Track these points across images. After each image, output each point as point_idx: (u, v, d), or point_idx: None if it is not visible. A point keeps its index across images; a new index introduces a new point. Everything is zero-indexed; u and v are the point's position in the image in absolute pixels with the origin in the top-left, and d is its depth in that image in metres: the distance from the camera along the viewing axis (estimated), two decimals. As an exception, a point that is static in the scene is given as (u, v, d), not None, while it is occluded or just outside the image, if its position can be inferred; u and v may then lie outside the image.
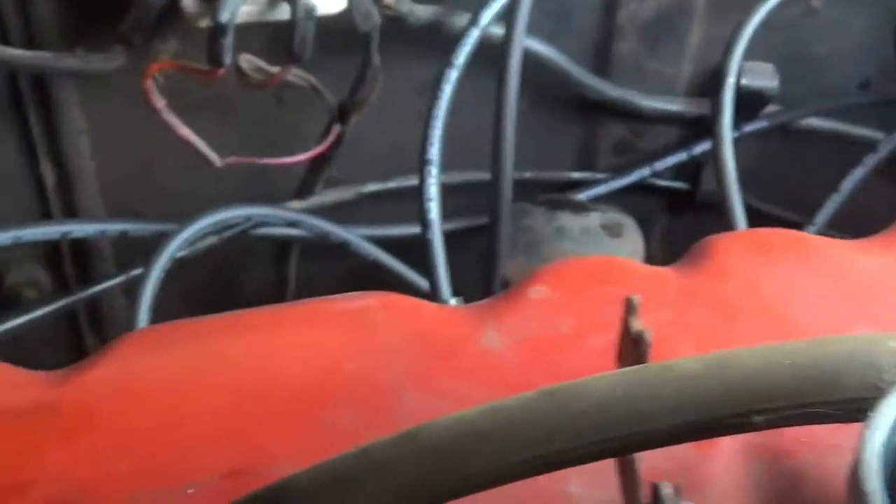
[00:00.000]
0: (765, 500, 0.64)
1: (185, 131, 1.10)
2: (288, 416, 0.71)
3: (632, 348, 0.55)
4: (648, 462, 0.57)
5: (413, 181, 1.30)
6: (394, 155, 1.33)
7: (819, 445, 0.65)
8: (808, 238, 0.85)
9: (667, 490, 0.44)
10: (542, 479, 0.66)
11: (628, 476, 0.56)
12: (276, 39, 1.15)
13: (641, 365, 0.52)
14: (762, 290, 0.77)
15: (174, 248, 1.07)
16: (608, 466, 0.62)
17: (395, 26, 1.16)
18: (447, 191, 1.16)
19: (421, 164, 1.06)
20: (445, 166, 1.13)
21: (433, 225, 1.05)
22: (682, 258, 0.82)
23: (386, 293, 0.80)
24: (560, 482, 0.67)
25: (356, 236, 1.19)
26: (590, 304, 0.76)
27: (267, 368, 0.74)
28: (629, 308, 0.56)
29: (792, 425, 0.49)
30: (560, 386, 0.50)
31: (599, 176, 1.39)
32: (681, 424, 0.48)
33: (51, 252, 1.37)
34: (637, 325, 0.55)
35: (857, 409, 0.47)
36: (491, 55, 1.12)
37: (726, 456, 0.67)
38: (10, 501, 0.67)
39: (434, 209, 1.06)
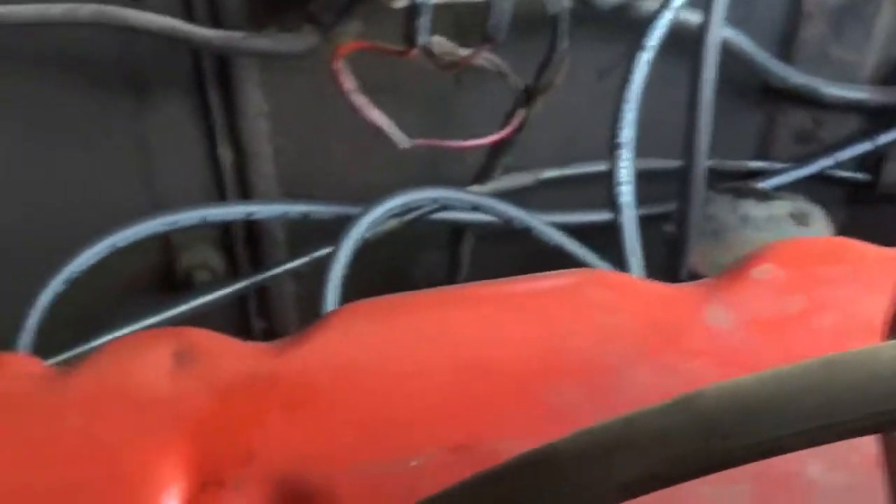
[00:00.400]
0: None
1: (375, 113, 1.10)
2: (512, 392, 0.70)
3: (906, 321, 0.54)
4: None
5: (591, 167, 1.30)
6: (571, 141, 1.33)
7: None
8: None
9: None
10: (779, 459, 0.65)
11: (893, 454, 0.54)
12: (460, 21, 1.15)
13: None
14: None
15: (364, 227, 1.08)
16: (847, 449, 0.60)
17: (583, 9, 1.15)
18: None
19: (612, 148, 1.05)
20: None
21: (626, 209, 1.04)
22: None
23: (599, 270, 0.79)
24: (798, 462, 0.65)
25: (539, 221, 1.18)
26: (818, 283, 0.74)
27: (489, 343, 0.73)
28: (905, 279, 0.55)
29: None
30: (838, 354, 0.49)
31: (779, 165, 1.37)
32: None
33: (224, 235, 1.38)
34: (915, 294, 0.54)
35: None
36: (677, 40, 1.11)
37: None
38: (234, 472, 0.67)
39: (626, 193, 1.05)
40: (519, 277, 0.81)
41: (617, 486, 0.50)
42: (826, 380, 0.48)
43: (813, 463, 0.65)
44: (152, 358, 0.73)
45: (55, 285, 1.08)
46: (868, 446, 0.59)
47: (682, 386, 0.52)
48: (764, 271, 0.75)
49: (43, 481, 0.67)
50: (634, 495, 0.50)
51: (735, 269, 0.77)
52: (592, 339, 0.72)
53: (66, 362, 0.76)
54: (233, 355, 0.74)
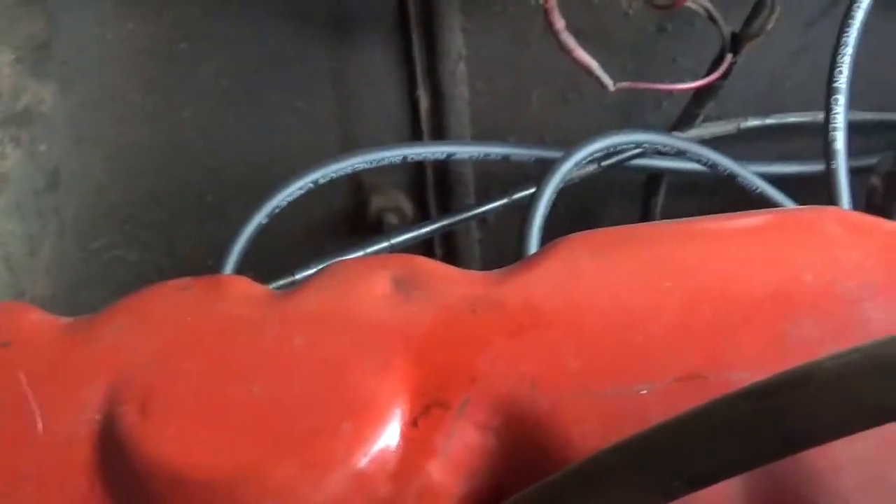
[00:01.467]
0: None
1: (582, 53, 1.09)
2: (745, 323, 0.69)
3: None
4: None
5: (794, 118, 1.27)
6: (772, 91, 1.30)
7: None
8: None
9: None
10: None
11: None
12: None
13: None
14: None
15: (566, 171, 1.07)
16: None
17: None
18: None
19: (828, 94, 1.03)
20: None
21: (839, 155, 1.02)
22: None
23: (836, 208, 0.77)
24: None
25: (744, 169, 1.16)
26: None
27: (722, 275, 0.72)
28: None
29: None
30: None
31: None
32: None
33: (416, 178, 1.39)
34: None
35: None
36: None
37: None
38: (458, 394, 0.67)
39: (840, 138, 1.02)
40: (749, 212, 0.79)
41: (888, 405, 0.48)
42: None
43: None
44: (373, 282, 0.73)
45: (258, 218, 1.09)
46: None
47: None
48: None
49: (266, 395, 0.68)
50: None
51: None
52: (830, 273, 0.71)
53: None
54: (454, 281, 0.74)
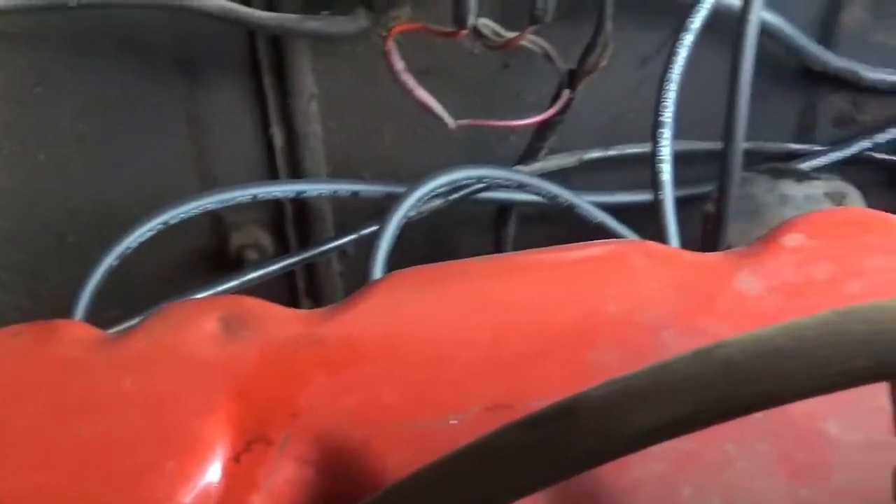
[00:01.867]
0: None
1: (422, 93, 1.13)
2: (550, 354, 0.73)
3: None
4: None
5: (633, 149, 1.32)
6: (613, 124, 1.35)
7: None
8: None
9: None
10: (799, 417, 0.68)
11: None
12: (505, 5, 1.18)
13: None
14: None
15: (409, 206, 1.11)
16: (867, 407, 0.62)
17: (626, -6, 1.18)
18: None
19: (654, 127, 1.08)
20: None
21: (665, 186, 1.07)
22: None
23: (641, 240, 0.81)
24: (818, 420, 0.68)
25: (583, 200, 1.21)
26: (846, 252, 0.77)
27: (530, 307, 0.75)
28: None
29: None
30: (855, 306, 0.51)
31: (818, 148, 1.39)
32: None
33: (274, 215, 1.42)
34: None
35: None
36: (717, 24, 1.13)
37: None
38: (279, 430, 0.70)
39: (666, 170, 1.07)
40: (560, 246, 0.83)
41: (645, 430, 0.52)
42: (845, 328, 0.51)
43: (832, 421, 0.68)
44: (201, 323, 0.76)
45: (108, 260, 1.11)
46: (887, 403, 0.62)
47: (710, 347, 0.54)
48: (793, 240, 0.78)
49: (95, 436, 0.70)
50: (663, 439, 0.53)
51: (766, 239, 0.79)
52: (630, 304, 0.75)
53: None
54: (279, 320, 0.77)
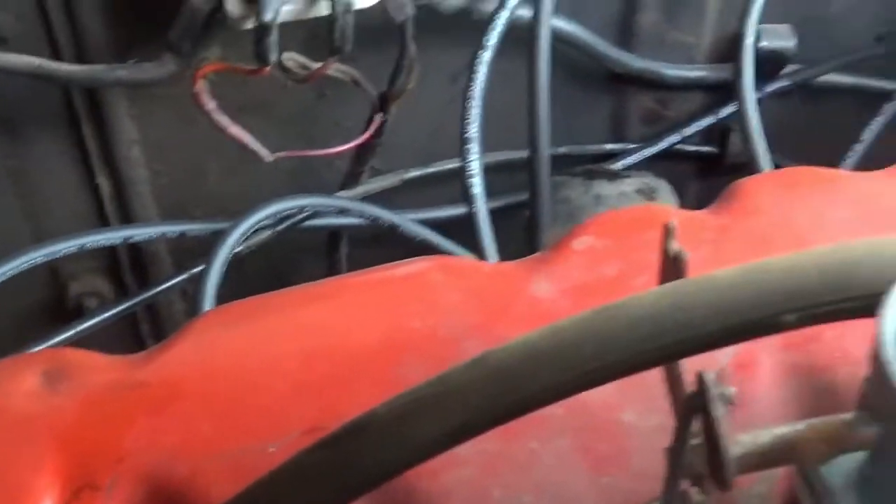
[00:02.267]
0: (806, 412, 0.69)
1: (236, 130, 1.15)
2: (360, 374, 0.76)
3: (672, 269, 0.60)
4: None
5: (451, 165, 1.36)
6: (431, 141, 1.39)
7: (852, 358, 0.70)
8: (832, 172, 0.90)
9: (710, 376, 0.48)
10: (598, 409, 0.72)
11: (675, 384, 0.61)
12: (315, 36, 1.21)
13: (682, 279, 0.57)
14: (792, 223, 0.82)
15: (234, 241, 1.13)
16: (660, 394, 0.66)
17: (428, 15, 1.21)
18: (488, 170, 1.21)
19: (462, 143, 1.11)
20: (485, 146, 1.18)
21: (477, 199, 1.10)
22: (716, 201, 0.87)
23: (442, 256, 0.85)
24: (615, 411, 0.72)
25: (405, 219, 1.24)
26: (632, 248, 0.81)
27: (337, 332, 0.79)
28: (667, 233, 0.61)
29: (824, 322, 0.54)
30: (610, 304, 0.55)
31: (631, 146, 1.44)
32: (721, 328, 0.53)
33: (110, 261, 1.43)
34: (675, 246, 0.60)
35: (878, 303, 0.51)
36: (520, 37, 1.16)
37: (769, 375, 0.72)
38: (106, 475, 0.72)
39: (477, 184, 1.11)
40: (367, 269, 0.87)
41: (430, 439, 0.56)
42: (600, 325, 0.55)
43: (629, 410, 0.72)
44: (22, 380, 0.78)
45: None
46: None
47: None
48: (583, 242, 0.82)
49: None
50: (448, 446, 0.57)
51: (558, 244, 0.84)
52: (433, 318, 0.79)
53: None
54: (100, 368, 0.79)
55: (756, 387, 0.72)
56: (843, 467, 0.55)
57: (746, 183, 0.87)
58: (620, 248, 0.82)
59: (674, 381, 0.60)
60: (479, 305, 0.79)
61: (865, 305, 0.52)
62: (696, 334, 0.53)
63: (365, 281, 0.85)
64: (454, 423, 0.56)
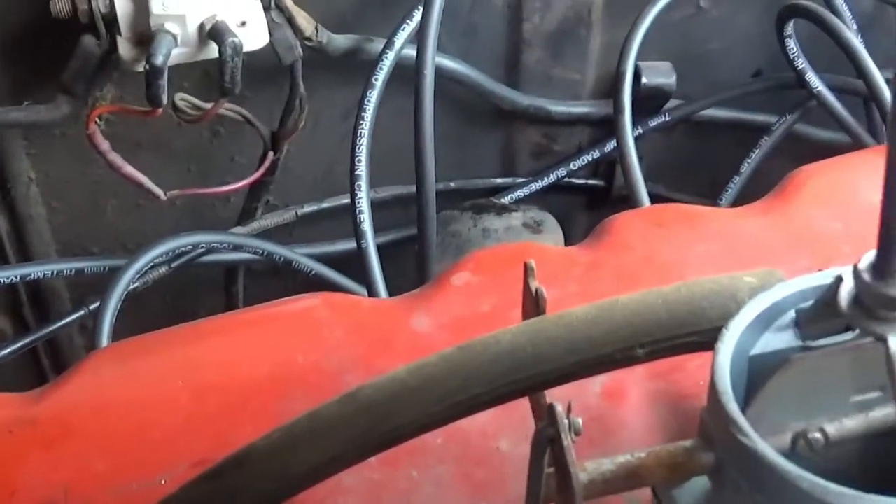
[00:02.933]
0: (671, 436, 0.73)
1: (130, 169, 1.18)
2: (247, 407, 0.79)
3: (533, 306, 0.64)
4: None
5: (345, 200, 1.39)
6: (326, 177, 1.42)
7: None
8: (697, 209, 0.95)
9: (559, 408, 0.52)
10: (475, 438, 0.75)
11: (540, 414, 0.64)
12: (207, 74, 1.24)
13: (540, 317, 0.61)
14: (658, 258, 0.86)
15: (128, 279, 1.15)
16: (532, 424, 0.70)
17: (317, 56, 1.24)
18: (379, 205, 1.25)
19: (351, 181, 1.14)
20: (375, 182, 1.22)
21: (366, 235, 1.13)
22: (588, 237, 0.91)
23: (328, 293, 0.88)
24: (491, 439, 0.75)
25: (298, 254, 1.28)
26: (507, 284, 0.84)
27: (225, 367, 0.82)
28: (528, 271, 0.65)
29: (671, 355, 0.58)
30: (472, 341, 0.59)
31: (520, 179, 1.47)
32: (577, 362, 0.57)
33: (9, 298, 1.44)
34: (535, 284, 0.64)
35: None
36: (409, 76, 1.20)
37: (634, 403, 0.76)
38: (0, 507, 0.75)
39: (366, 220, 1.14)
40: (257, 306, 0.90)
41: (305, 470, 0.59)
42: (462, 361, 0.58)
43: (504, 438, 0.75)
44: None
45: None
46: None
47: (391, 385, 0.61)
48: (461, 278, 0.86)
49: None
50: (322, 478, 0.60)
51: (437, 280, 0.87)
52: (317, 353, 0.82)
53: None
54: (-9, 406, 0.82)
55: (624, 413, 0.76)
56: (695, 490, 0.59)
57: (616, 220, 0.91)
58: (495, 284, 0.85)
59: (539, 411, 0.64)
60: (361, 340, 0.83)
61: (709, 339, 0.56)
62: (552, 368, 0.57)
63: (254, 317, 0.88)
64: (327, 454, 0.59)
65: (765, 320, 0.55)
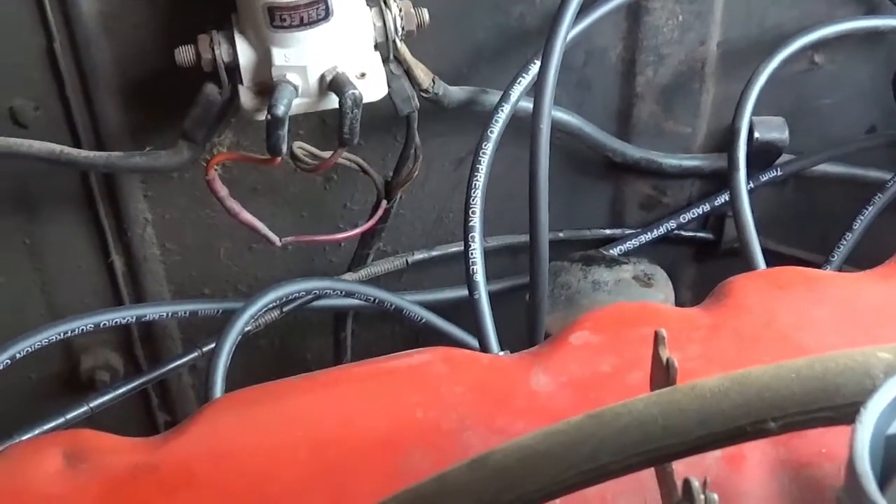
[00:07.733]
0: (791, 505, 0.73)
1: (247, 216, 1.20)
2: (366, 462, 0.80)
3: (662, 375, 0.64)
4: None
5: (455, 248, 1.40)
6: (436, 224, 1.43)
7: (837, 455, 0.74)
8: (817, 273, 0.95)
9: (696, 483, 0.52)
10: (593, 501, 0.75)
11: (665, 483, 0.64)
12: (323, 123, 1.26)
13: (671, 387, 0.61)
14: (777, 322, 0.86)
15: (243, 322, 1.17)
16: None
17: (432, 107, 1.25)
18: (489, 254, 1.25)
19: (465, 232, 1.15)
20: (487, 230, 1.23)
21: (479, 286, 1.14)
22: (707, 299, 0.91)
23: (445, 348, 0.89)
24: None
25: (408, 302, 1.29)
26: (626, 344, 0.85)
27: (344, 421, 0.83)
28: (658, 340, 0.66)
29: (802, 429, 0.58)
30: (603, 409, 0.59)
31: (629, 231, 1.48)
32: (707, 435, 0.57)
33: (123, 336, 1.47)
34: (665, 353, 0.64)
35: (856, 412, 0.55)
36: (521, 127, 1.21)
37: (756, 470, 0.76)
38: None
39: (479, 272, 1.14)
40: (374, 359, 0.91)
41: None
42: (593, 430, 0.59)
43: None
44: (44, 460, 0.82)
45: (-40, 399, 1.16)
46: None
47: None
48: (579, 338, 0.86)
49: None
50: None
51: (556, 338, 0.88)
52: (436, 410, 0.82)
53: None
54: (117, 451, 0.83)
55: (742, 480, 0.75)
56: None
57: (735, 282, 0.91)
58: (614, 344, 0.86)
59: (665, 480, 0.64)
60: (480, 398, 0.83)
61: (843, 414, 0.56)
62: (685, 440, 0.57)
63: (371, 371, 0.89)
64: (456, 519, 0.59)
65: (902, 399, 0.55)
